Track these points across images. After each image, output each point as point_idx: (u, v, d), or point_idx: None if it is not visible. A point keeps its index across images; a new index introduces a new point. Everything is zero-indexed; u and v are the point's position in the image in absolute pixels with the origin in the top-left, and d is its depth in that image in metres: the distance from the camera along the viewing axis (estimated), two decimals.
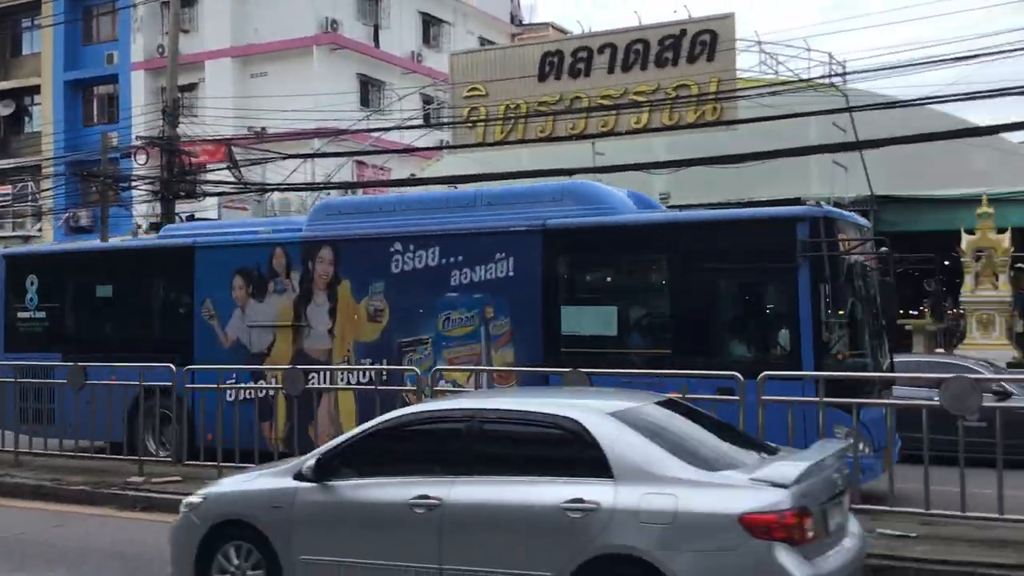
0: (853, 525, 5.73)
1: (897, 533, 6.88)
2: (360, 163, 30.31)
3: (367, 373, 11.08)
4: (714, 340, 10.09)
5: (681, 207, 16.16)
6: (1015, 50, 17.18)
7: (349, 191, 23.39)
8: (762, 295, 10.43)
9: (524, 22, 45.85)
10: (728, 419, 7.19)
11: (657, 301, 10.92)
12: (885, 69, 17.36)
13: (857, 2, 38.28)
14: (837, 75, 21.25)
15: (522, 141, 22.56)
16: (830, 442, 6.55)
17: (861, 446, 8.37)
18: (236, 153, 21.84)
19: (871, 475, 8.81)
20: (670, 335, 10.35)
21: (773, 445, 6.17)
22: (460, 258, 11.15)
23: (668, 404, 6.29)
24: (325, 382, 11.35)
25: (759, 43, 22.47)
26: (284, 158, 21.75)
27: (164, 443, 12.07)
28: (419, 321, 11.37)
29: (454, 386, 10.65)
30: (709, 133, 20.69)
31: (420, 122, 26.80)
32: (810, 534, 5.00)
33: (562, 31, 39.73)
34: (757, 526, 4.90)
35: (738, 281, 10.29)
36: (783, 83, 20.07)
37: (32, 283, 13.95)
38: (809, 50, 26.90)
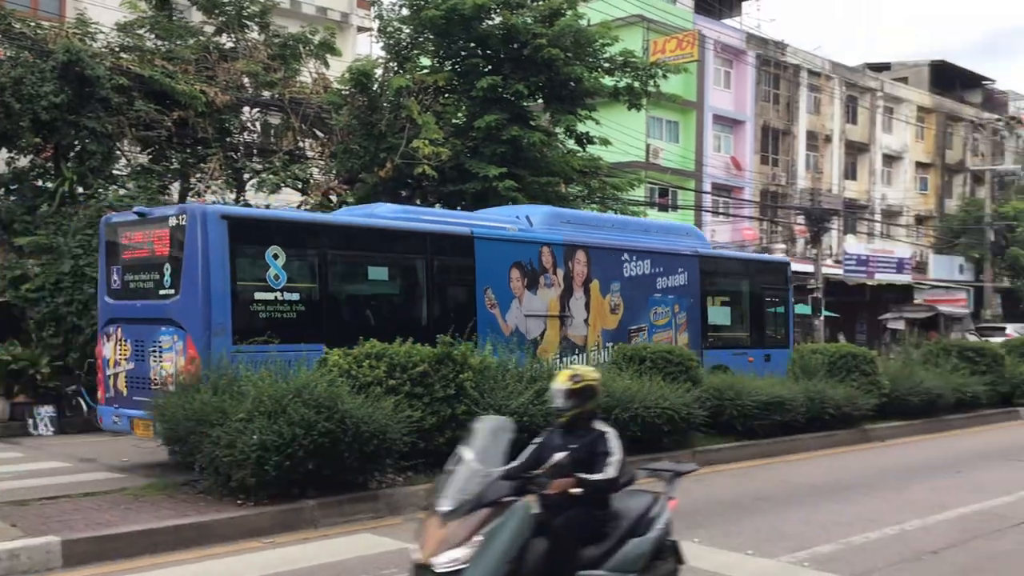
0: None
1: None
2: None
3: None
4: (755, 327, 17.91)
5: None
6: None
7: None
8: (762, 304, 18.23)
9: None
10: None
11: (740, 304, 17.95)
12: None
13: None
14: None
15: None
16: None
17: None
18: None
19: None
20: (746, 322, 17.86)
21: None
22: (660, 269, 15.92)
23: None
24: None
25: None
26: None
27: None
28: (639, 314, 15.51)
29: None
30: None
31: None
32: None
33: None
34: None
35: (746, 297, 18.09)
36: None
37: (277, 257, 11.18)
38: None
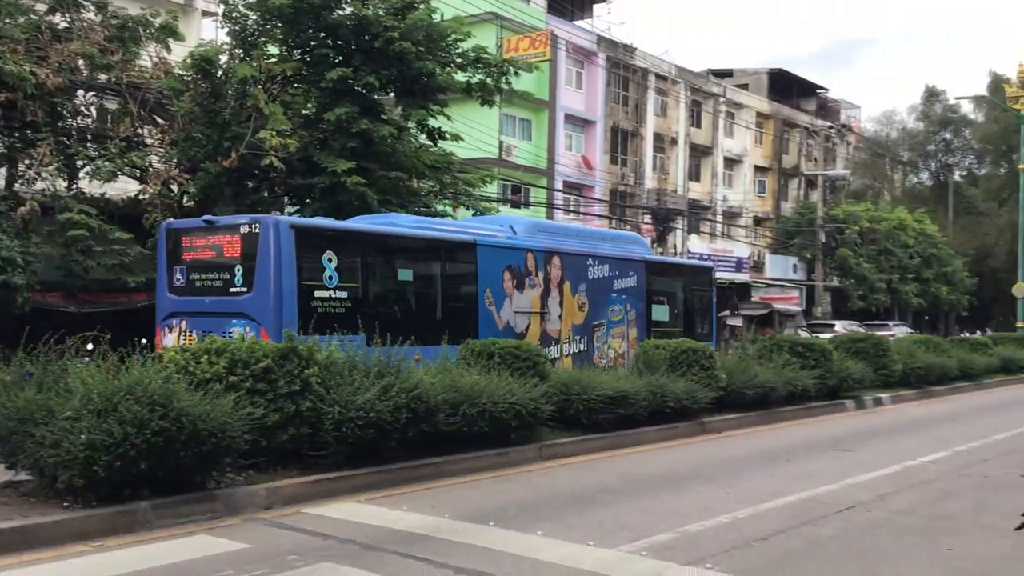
0: None
1: None
2: None
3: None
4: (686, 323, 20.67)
5: None
6: None
7: None
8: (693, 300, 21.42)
9: None
10: None
11: (676, 303, 20.62)
12: None
13: None
14: None
15: None
16: None
17: None
18: None
19: None
20: (680, 319, 20.55)
21: None
22: (616, 272, 18.46)
23: None
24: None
25: None
26: None
27: None
28: (600, 311, 18.05)
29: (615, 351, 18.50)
30: None
31: None
32: None
33: None
34: None
35: (680, 297, 20.91)
36: None
37: (331, 260, 13.15)
38: None
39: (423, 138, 22.27)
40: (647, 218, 41.30)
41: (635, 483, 10.62)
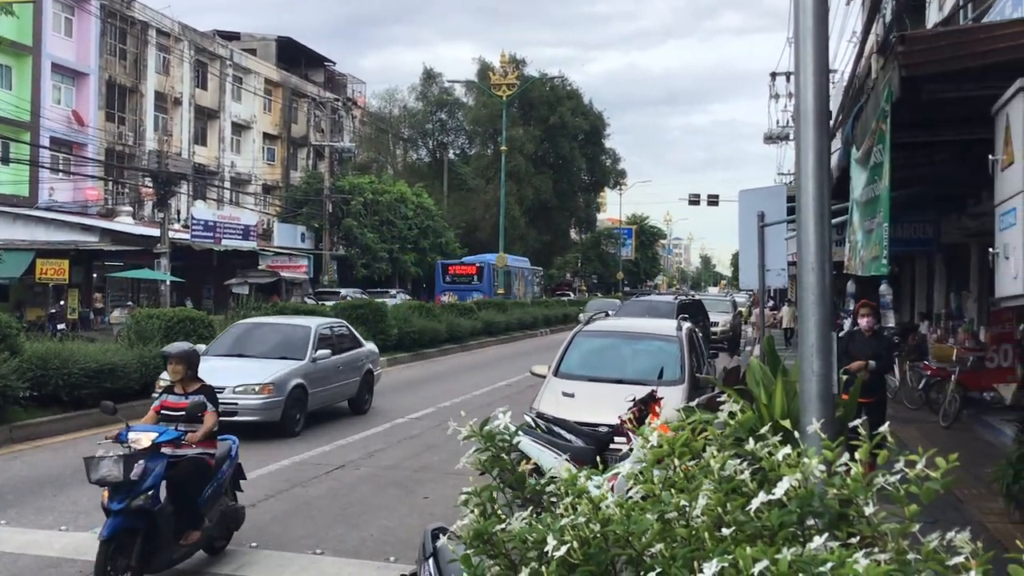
0: None
1: None
2: None
3: None
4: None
5: None
6: None
7: None
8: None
9: None
10: None
11: (536, 285, 61.53)
12: None
13: None
14: None
15: None
16: None
17: None
18: None
19: None
20: (538, 292, 62.31)
21: None
22: (527, 274, 57.52)
23: None
24: None
25: None
26: None
27: None
28: (527, 289, 56.13)
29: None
30: None
31: None
32: None
33: None
34: None
35: (539, 281, 64.04)
36: None
37: (496, 272, 46.59)
38: None
39: None
40: (148, 181, 39.09)
41: None
